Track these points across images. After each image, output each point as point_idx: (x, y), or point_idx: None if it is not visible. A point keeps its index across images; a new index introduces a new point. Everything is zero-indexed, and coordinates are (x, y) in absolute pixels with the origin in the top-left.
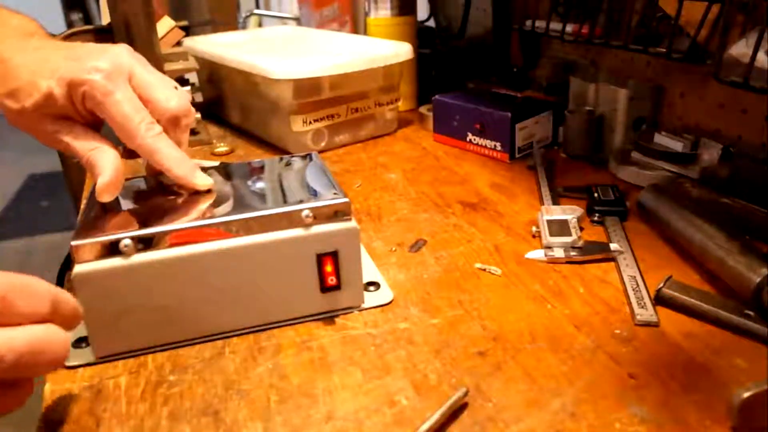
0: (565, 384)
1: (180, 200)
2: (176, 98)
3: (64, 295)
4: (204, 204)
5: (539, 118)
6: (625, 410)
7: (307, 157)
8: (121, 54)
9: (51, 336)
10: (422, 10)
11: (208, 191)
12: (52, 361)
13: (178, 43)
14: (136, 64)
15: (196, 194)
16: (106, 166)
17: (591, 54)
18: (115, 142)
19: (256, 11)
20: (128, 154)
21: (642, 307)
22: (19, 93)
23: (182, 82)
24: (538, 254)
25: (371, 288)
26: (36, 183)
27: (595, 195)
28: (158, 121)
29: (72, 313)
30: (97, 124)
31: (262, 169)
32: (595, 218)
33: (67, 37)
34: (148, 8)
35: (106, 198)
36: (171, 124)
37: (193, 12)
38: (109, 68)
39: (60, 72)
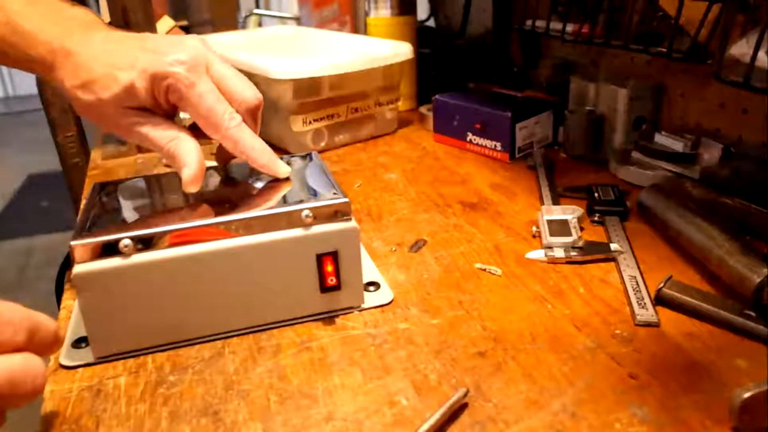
0: (566, 384)
1: (180, 200)
2: (252, 90)
3: (42, 320)
4: (203, 204)
5: (539, 118)
6: (625, 410)
7: (307, 157)
8: (198, 46)
9: (28, 366)
10: (422, 10)
11: (287, 179)
12: (30, 392)
13: None
14: (211, 54)
15: (275, 181)
16: (189, 156)
17: (591, 54)
18: None
19: (256, 11)
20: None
21: (642, 307)
22: (94, 85)
23: None
24: (538, 254)
25: (371, 288)
26: (36, 183)
27: (596, 195)
28: (236, 111)
29: (51, 338)
30: (171, 115)
31: None
32: (596, 218)
33: None
34: (147, 8)
35: (192, 189)
36: (248, 115)
37: (193, 12)
38: (191, 60)
39: (140, 64)
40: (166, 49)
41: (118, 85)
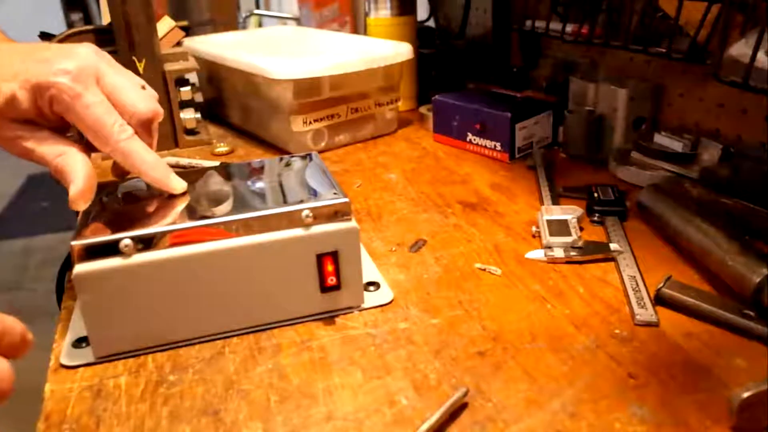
0: (565, 384)
1: (180, 200)
2: (145, 100)
3: (9, 323)
4: (204, 204)
5: (539, 118)
6: (625, 410)
7: (307, 157)
8: (87, 54)
9: None
10: (422, 10)
11: (183, 194)
12: None
13: (178, 43)
14: (103, 64)
15: (171, 197)
16: (76, 172)
17: (591, 54)
18: None
19: (256, 11)
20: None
21: (642, 307)
22: None
23: (182, 82)
24: (538, 254)
25: (371, 288)
26: (36, 183)
27: (595, 195)
28: (128, 124)
29: (19, 340)
30: (62, 128)
31: (262, 169)
32: (595, 218)
33: (67, 38)
34: (148, 8)
35: (80, 206)
36: (141, 127)
37: (193, 12)
38: (77, 70)
39: (24, 75)
40: (53, 59)
41: None
